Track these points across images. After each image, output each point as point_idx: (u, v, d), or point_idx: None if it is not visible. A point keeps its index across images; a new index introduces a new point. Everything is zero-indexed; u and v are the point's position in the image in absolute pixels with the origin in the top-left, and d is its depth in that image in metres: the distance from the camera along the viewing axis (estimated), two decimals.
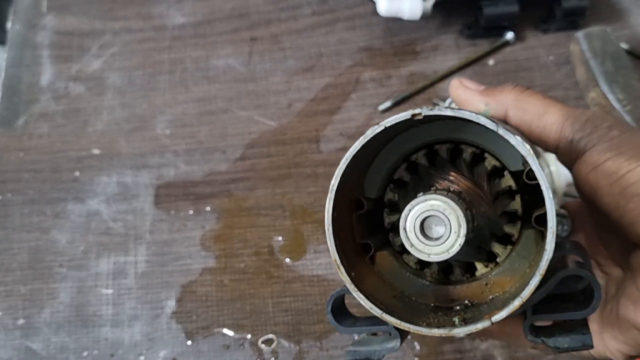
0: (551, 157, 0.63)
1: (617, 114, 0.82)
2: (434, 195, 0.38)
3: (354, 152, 0.41)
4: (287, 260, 0.79)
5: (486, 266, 0.46)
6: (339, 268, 0.41)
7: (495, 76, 0.92)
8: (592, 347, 0.39)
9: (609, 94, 0.83)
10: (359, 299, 0.40)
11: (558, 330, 0.40)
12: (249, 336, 0.75)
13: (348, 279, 0.40)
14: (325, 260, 0.79)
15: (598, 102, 0.85)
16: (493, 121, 0.38)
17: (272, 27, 1.01)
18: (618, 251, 0.48)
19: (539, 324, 0.41)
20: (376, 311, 0.40)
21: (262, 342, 0.74)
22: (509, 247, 0.45)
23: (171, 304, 0.78)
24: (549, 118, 0.47)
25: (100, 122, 0.94)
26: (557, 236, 0.37)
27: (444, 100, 0.90)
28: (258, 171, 0.87)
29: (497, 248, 0.45)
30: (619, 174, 0.42)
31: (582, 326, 0.40)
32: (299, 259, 0.80)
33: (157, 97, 0.95)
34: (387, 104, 0.90)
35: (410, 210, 0.38)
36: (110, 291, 0.79)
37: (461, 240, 0.38)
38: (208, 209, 0.84)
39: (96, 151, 0.91)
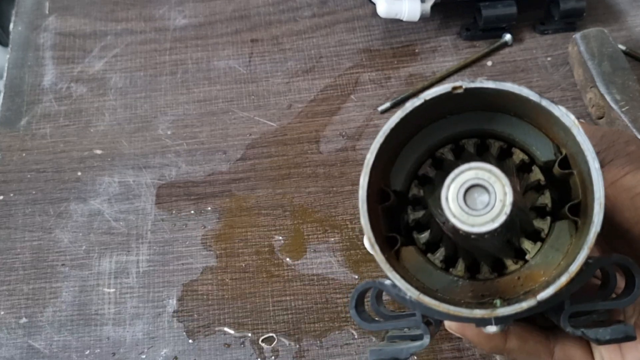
0: None
1: (614, 115, 0.83)
2: (478, 164, 0.36)
3: (392, 125, 0.39)
4: (288, 259, 0.80)
5: (515, 263, 0.44)
6: (373, 247, 0.38)
7: (494, 77, 0.93)
8: (635, 338, 0.38)
9: (606, 95, 0.84)
10: (394, 280, 0.38)
11: (598, 322, 0.39)
12: (249, 334, 0.75)
13: (383, 258, 0.38)
14: (325, 260, 0.80)
15: (596, 103, 0.86)
16: (536, 92, 0.37)
17: (273, 29, 1.02)
18: None
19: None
20: (413, 292, 0.38)
21: (263, 341, 0.75)
22: (539, 243, 0.43)
23: (172, 303, 0.78)
24: None
25: (102, 122, 0.94)
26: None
27: None
28: (258, 171, 0.88)
29: (526, 245, 0.43)
30: (638, 189, 0.41)
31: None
32: (299, 258, 0.80)
33: (158, 97, 0.96)
34: (387, 104, 0.91)
35: (454, 179, 0.36)
36: (112, 290, 0.80)
37: (507, 209, 0.36)
38: (209, 208, 0.85)
39: (98, 151, 0.91)
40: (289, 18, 1.03)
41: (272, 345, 0.75)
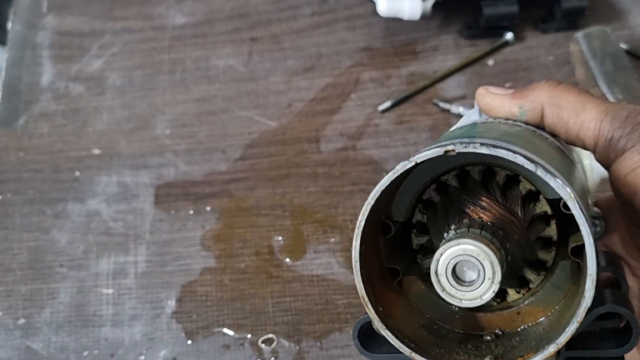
0: (585, 150, 0.62)
1: None
2: (467, 240, 0.37)
3: (382, 188, 0.39)
4: (287, 260, 0.80)
5: (518, 292, 0.44)
6: (365, 305, 0.40)
7: (495, 76, 0.92)
8: None
9: (608, 94, 0.84)
10: (387, 337, 0.39)
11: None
12: (249, 336, 0.75)
13: (375, 315, 0.39)
14: (325, 260, 0.79)
15: None
16: (532, 160, 0.37)
17: (272, 27, 1.01)
18: None
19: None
20: (405, 350, 0.39)
21: (262, 342, 0.74)
22: (543, 273, 0.44)
23: (171, 304, 0.78)
24: (587, 115, 0.44)
25: (101, 122, 0.94)
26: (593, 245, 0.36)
27: (444, 101, 0.90)
28: (258, 171, 0.87)
29: (530, 274, 0.44)
30: None
31: None
32: (299, 259, 0.80)
33: (157, 97, 0.96)
34: (387, 104, 0.91)
35: (442, 254, 0.37)
36: (110, 291, 0.79)
37: (495, 287, 0.37)
38: (208, 208, 0.84)
39: (96, 151, 0.91)
40: (288, 16, 1.02)
41: (272, 347, 0.74)
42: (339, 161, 0.87)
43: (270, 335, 0.75)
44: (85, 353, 0.75)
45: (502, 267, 0.37)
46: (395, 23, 0.98)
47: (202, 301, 0.78)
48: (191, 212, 0.84)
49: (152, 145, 0.91)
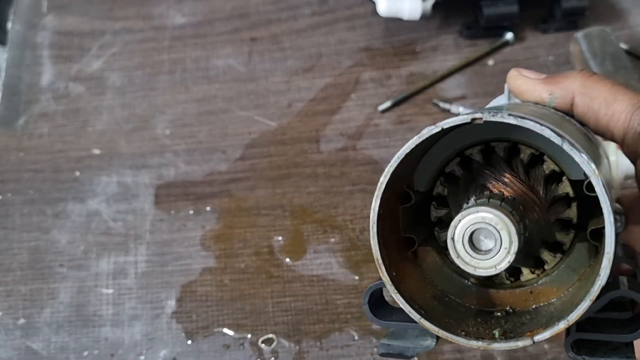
0: (611, 146, 0.61)
1: None
2: (486, 208, 0.37)
3: (407, 151, 0.39)
4: (287, 260, 0.80)
5: (532, 272, 0.44)
6: (379, 267, 0.39)
7: (495, 76, 0.92)
8: None
9: None
10: (398, 302, 0.39)
11: (602, 348, 0.40)
12: (249, 336, 0.75)
13: (388, 279, 0.39)
14: (325, 260, 0.79)
15: None
16: (559, 134, 0.37)
17: (272, 27, 1.01)
18: None
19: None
20: (415, 316, 0.39)
21: (262, 342, 0.74)
22: (559, 255, 0.43)
23: (171, 304, 0.78)
24: (618, 106, 0.44)
25: (101, 122, 0.94)
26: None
27: (444, 101, 0.90)
28: (258, 171, 0.87)
29: (546, 255, 0.44)
30: None
31: (627, 346, 0.39)
32: (299, 259, 0.80)
33: (157, 97, 0.96)
34: (387, 104, 0.91)
35: (460, 220, 0.37)
36: (110, 291, 0.79)
37: (511, 257, 0.36)
38: (208, 209, 0.84)
39: (96, 151, 0.91)
40: (288, 16, 1.02)
41: (272, 347, 0.74)
42: (339, 161, 0.87)
43: (270, 335, 0.75)
44: (85, 353, 0.75)
45: (519, 239, 0.36)
46: (395, 23, 0.98)
47: (202, 301, 0.78)
48: (191, 212, 0.84)
49: (152, 145, 0.91)
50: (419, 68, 0.94)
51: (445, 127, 0.38)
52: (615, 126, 0.44)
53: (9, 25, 1.06)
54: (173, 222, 0.84)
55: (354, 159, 0.87)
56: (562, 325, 0.37)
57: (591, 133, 0.47)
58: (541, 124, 0.36)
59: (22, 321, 0.78)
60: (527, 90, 0.48)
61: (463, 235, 0.37)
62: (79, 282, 0.80)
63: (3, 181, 0.89)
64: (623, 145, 0.45)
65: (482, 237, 0.37)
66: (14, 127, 0.94)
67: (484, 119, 0.37)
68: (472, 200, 0.39)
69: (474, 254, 0.37)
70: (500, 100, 0.51)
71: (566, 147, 0.36)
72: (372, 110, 0.91)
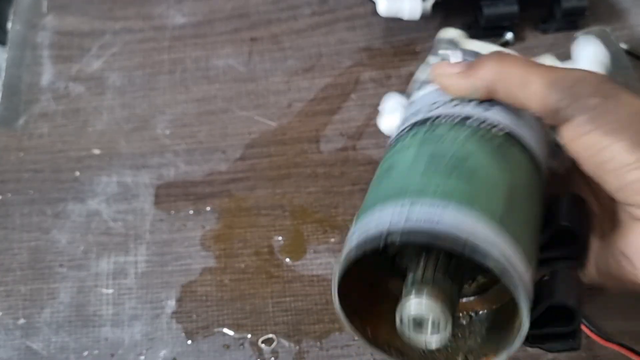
0: None
1: None
2: (416, 300, 0.41)
3: (337, 284, 0.46)
4: (287, 260, 0.80)
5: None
6: (352, 332, 0.47)
7: None
8: (579, 349, 0.42)
9: None
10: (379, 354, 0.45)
11: (552, 338, 0.43)
12: (249, 336, 0.75)
13: (363, 338, 0.46)
14: (325, 260, 0.79)
15: None
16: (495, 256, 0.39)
17: (272, 27, 1.01)
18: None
19: None
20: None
21: (262, 342, 0.74)
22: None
23: (171, 304, 0.78)
24: (531, 89, 0.44)
25: (100, 122, 0.94)
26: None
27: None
28: (258, 171, 0.87)
29: (481, 279, 0.49)
30: (595, 149, 0.42)
31: (572, 333, 0.43)
32: (299, 259, 0.80)
33: (157, 97, 0.96)
34: None
35: (402, 310, 0.41)
36: (110, 291, 0.79)
37: (449, 331, 0.40)
38: (208, 209, 0.84)
39: (96, 151, 0.91)
40: (288, 16, 1.02)
41: (272, 347, 0.74)
42: (339, 161, 0.87)
43: (270, 335, 0.75)
44: (85, 353, 0.75)
45: (451, 319, 0.40)
46: (395, 23, 0.98)
47: (202, 301, 0.78)
48: (191, 212, 0.84)
49: (152, 145, 0.91)
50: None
51: (344, 263, 0.44)
52: (533, 108, 0.45)
53: (9, 25, 1.06)
54: (173, 222, 0.84)
55: (354, 159, 0.87)
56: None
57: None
58: (461, 235, 0.40)
59: (22, 321, 0.78)
60: (450, 86, 0.49)
61: (407, 321, 0.41)
62: (79, 282, 0.80)
63: (3, 181, 0.89)
64: (545, 122, 0.47)
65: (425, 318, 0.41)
66: (14, 127, 0.94)
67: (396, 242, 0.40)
68: (410, 277, 0.43)
69: (419, 336, 0.41)
70: (429, 89, 0.53)
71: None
72: (372, 110, 0.91)
